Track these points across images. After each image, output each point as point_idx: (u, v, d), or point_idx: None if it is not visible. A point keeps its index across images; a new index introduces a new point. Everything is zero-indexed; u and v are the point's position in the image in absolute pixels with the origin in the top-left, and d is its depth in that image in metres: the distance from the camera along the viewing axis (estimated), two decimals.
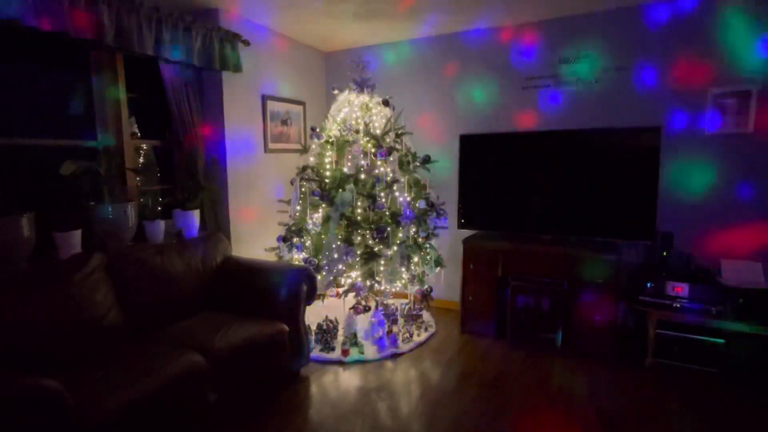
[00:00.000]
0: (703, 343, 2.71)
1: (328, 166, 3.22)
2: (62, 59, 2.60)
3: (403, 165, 3.24)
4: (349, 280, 3.11)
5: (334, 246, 3.00)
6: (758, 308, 2.58)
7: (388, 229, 2.99)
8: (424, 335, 3.27)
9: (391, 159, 3.10)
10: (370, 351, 3.00)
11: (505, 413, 2.33)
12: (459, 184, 3.53)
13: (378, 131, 3.18)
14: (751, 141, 2.83)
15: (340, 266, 3.01)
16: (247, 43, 3.17)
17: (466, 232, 3.58)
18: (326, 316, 3.10)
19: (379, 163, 3.10)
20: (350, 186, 3.06)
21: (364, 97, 3.28)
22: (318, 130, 3.29)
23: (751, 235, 2.88)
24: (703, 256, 2.99)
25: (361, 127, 3.16)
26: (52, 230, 2.25)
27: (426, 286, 3.31)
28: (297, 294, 2.61)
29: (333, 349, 3.01)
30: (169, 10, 2.63)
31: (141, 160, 2.99)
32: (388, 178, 3.08)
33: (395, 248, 3.04)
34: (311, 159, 3.34)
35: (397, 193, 3.12)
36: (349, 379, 2.71)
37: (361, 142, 3.11)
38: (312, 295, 2.72)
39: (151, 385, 1.81)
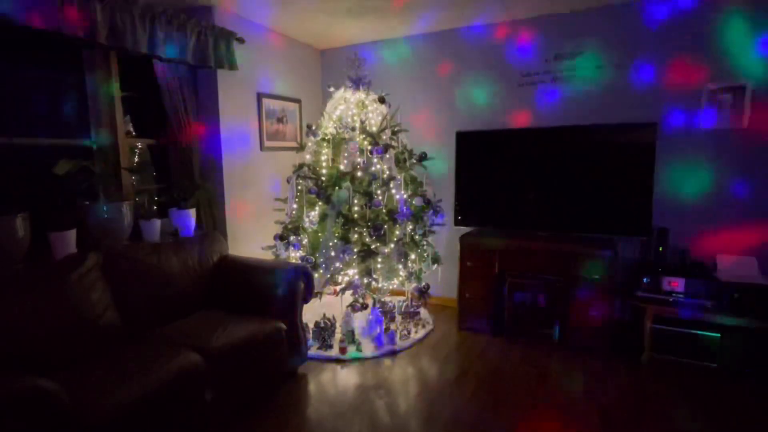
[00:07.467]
0: (699, 337, 2.72)
1: (324, 164, 3.21)
2: (55, 58, 2.58)
3: (399, 162, 3.24)
4: (346, 278, 3.11)
5: (330, 244, 3.00)
6: (753, 302, 2.59)
7: (385, 226, 2.99)
8: (421, 332, 3.28)
9: (388, 156, 3.09)
10: (368, 349, 3.00)
11: (503, 409, 2.34)
12: (456, 181, 3.53)
13: (374, 128, 3.18)
14: (745, 137, 2.84)
15: (337, 264, 3.01)
16: (242, 40, 3.15)
17: (463, 229, 3.59)
18: (324, 314, 3.10)
19: (375, 160, 3.09)
20: (347, 184, 3.05)
21: (360, 95, 3.27)
22: (314, 127, 3.28)
23: (745, 230, 2.89)
24: (698, 252, 3.00)
25: (357, 125, 3.16)
26: (46, 230, 2.23)
27: (423, 284, 3.32)
28: (294, 292, 2.61)
29: (330, 347, 3.01)
30: (163, 7, 2.61)
31: (136, 159, 2.97)
32: (385, 176, 3.08)
33: (392, 246, 3.04)
34: (307, 157, 3.33)
35: (393, 191, 3.11)
36: (346, 377, 2.71)
37: (357, 139, 3.11)
38: (309, 294, 2.72)
39: (148, 385, 1.81)
